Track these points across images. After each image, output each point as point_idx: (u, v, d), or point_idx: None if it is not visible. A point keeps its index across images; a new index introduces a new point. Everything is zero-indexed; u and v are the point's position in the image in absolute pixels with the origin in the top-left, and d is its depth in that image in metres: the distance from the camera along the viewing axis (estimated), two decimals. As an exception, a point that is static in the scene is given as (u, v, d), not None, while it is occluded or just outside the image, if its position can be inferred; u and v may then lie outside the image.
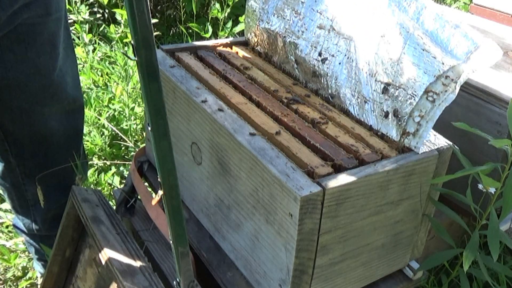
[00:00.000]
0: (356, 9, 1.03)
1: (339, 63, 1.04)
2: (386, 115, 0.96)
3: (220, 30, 2.71)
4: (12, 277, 1.64)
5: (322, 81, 1.07)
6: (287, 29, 1.14)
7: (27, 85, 1.16)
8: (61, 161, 1.32)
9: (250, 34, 1.28)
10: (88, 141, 2.07)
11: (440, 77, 0.91)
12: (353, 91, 1.02)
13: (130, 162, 1.65)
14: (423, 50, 0.93)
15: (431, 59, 0.92)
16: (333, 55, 1.05)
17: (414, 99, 0.92)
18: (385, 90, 0.96)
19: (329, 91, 1.07)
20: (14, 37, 1.10)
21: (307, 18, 1.09)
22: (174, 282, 0.90)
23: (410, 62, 0.94)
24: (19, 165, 1.28)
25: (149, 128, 0.68)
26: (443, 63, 0.91)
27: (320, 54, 1.06)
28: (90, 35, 2.74)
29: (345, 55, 1.03)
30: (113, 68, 2.53)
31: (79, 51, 2.51)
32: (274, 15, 1.17)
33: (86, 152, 2.07)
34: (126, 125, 2.17)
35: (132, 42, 0.60)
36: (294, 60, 1.12)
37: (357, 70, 1.01)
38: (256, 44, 1.28)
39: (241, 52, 1.27)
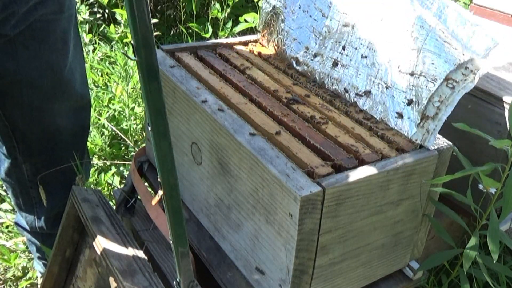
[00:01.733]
0: (378, 4, 1.09)
1: (362, 56, 1.07)
2: (410, 103, 0.97)
3: (220, 30, 2.71)
4: (12, 277, 1.64)
5: (342, 71, 1.09)
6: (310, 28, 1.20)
7: (39, 82, 1.18)
8: (67, 159, 1.33)
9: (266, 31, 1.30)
10: (88, 141, 2.07)
11: (460, 66, 0.95)
12: (374, 79, 1.04)
13: (130, 162, 1.65)
14: (445, 42, 0.97)
15: (452, 50, 0.96)
16: (355, 48, 1.09)
17: (434, 85, 0.94)
18: (407, 79, 0.99)
19: (347, 81, 1.08)
20: (28, 33, 1.11)
21: (333, 20, 1.15)
22: (174, 282, 0.90)
23: (431, 52, 0.97)
24: (25, 162, 1.28)
25: (149, 128, 0.68)
26: (463, 54, 0.96)
27: (344, 48, 1.10)
28: (90, 35, 2.74)
29: (368, 47, 1.07)
30: (113, 68, 2.53)
31: (79, 51, 2.51)
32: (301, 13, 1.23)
33: (86, 152, 2.07)
34: (126, 125, 2.17)
35: (132, 42, 0.60)
36: (313, 53, 1.15)
37: (379, 61, 1.04)
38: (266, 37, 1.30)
39: (241, 52, 1.27)
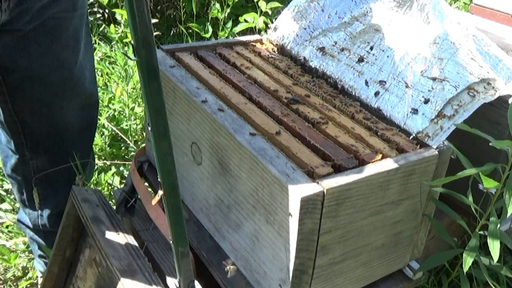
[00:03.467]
0: (412, 19, 1.18)
1: (388, 56, 1.12)
2: (426, 101, 1.00)
3: (220, 30, 2.71)
4: (12, 277, 1.64)
5: (366, 66, 1.14)
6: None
7: (49, 78, 1.19)
8: (73, 156, 1.34)
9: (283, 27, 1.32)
10: (91, 140, 2.07)
11: (484, 81, 1.02)
12: (395, 77, 1.07)
13: (130, 162, 1.65)
14: (472, 59, 1.05)
15: (478, 67, 1.04)
16: (383, 50, 1.13)
17: (456, 89, 0.99)
18: (429, 82, 1.03)
19: (369, 76, 1.11)
20: (41, 30, 1.13)
21: (367, 25, 1.23)
22: (175, 282, 0.90)
23: (458, 64, 1.04)
24: (32, 158, 1.29)
25: (149, 128, 0.68)
26: (488, 72, 1.03)
27: (371, 48, 1.15)
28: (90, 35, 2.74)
29: (394, 51, 1.12)
30: (113, 68, 2.53)
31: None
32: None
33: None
34: (126, 125, 2.17)
35: (132, 42, 0.60)
36: (341, 47, 1.20)
37: (403, 64, 1.09)
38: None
39: (241, 52, 1.27)
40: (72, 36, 1.19)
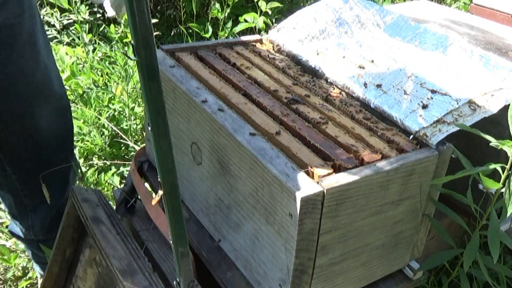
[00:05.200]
0: (414, 46, 1.27)
1: (388, 68, 1.14)
2: (424, 107, 1.01)
3: (220, 30, 2.71)
4: (12, 277, 1.64)
5: (366, 72, 1.15)
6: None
7: (14, 88, 1.16)
8: (55, 162, 1.31)
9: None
10: (88, 141, 2.07)
11: (486, 94, 1.05)
12: (394, 84, 1.09)
13: (130, 162, 1.65)
14: (474, 79, 1.09)
15: (481, 82, 1.08)
16: (383, 63, 1.16)
17: (458, 103, 1.01)
18: (428, 93, 1.05)
19: (368, 80, 1.12)
20: None
21: (370, 47, 1.28)
22: (174, 282, 0.90)
23: (460, 83, 1.07)
24: (15, 172, 1.26)
25: (149, 128, 0.68)
26: (491, 84, 1.07)
27: (372, 61, 1.18)
28: (90, 35, 2.74)
29: (395, 66, 1.15)
30: (113, 68, 2.53)
31: (79, 51, 2.51)
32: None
33: (85, 152, 2.06)
34: (126, 125, 2.17)
35: (132, 42, 0.60)
36: (342, 56, 1.22)
37: (404, 77, 1.11)
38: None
39: (241, 52, 1.27)
40: (27, 41, 1.15)
